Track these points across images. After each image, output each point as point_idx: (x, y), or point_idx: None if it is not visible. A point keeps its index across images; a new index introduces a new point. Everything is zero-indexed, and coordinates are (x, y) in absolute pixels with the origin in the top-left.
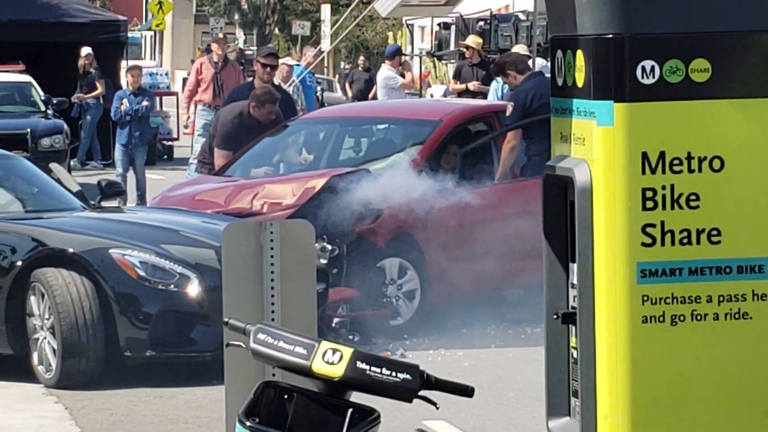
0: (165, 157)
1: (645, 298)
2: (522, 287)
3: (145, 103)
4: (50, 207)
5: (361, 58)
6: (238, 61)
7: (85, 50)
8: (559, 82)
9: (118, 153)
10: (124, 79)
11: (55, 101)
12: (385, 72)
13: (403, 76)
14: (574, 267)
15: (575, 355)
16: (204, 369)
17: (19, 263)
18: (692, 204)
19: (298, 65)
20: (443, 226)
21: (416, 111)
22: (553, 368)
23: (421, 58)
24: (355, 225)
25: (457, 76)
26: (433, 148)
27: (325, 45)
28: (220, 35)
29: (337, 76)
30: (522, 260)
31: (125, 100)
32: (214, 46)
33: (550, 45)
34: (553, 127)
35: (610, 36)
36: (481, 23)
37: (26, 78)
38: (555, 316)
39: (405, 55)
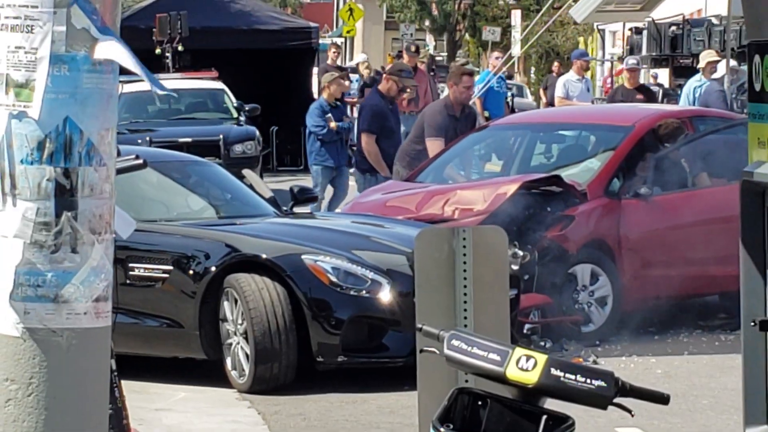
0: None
1: None
2: (716, 294)
3: (347, 118)
4: (243, 213)
5: (555, 63)
6: (428, 68)
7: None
8: (757, 87)
9: (320, 174)
10: (316, 86)
11: (247, 108)
12: (567, 76)
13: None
14: None
15: None
16: (396, 375)
17: (213, 269)
18: None
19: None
20: (635, 231)
21: (608, 116)
22: (751, 375)
23: (612, 63)
24: (547, 231)
25: None
26: (626, 154)
27: (515, 50)
28: (413, 47)
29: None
30: (716, 266)
31: (330, 116)
32: (405, 57)
33: (747, 49)
34: (750, 132)
35: None
36: (674, 28)
37: (219, 85)
38: (752, 324)
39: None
